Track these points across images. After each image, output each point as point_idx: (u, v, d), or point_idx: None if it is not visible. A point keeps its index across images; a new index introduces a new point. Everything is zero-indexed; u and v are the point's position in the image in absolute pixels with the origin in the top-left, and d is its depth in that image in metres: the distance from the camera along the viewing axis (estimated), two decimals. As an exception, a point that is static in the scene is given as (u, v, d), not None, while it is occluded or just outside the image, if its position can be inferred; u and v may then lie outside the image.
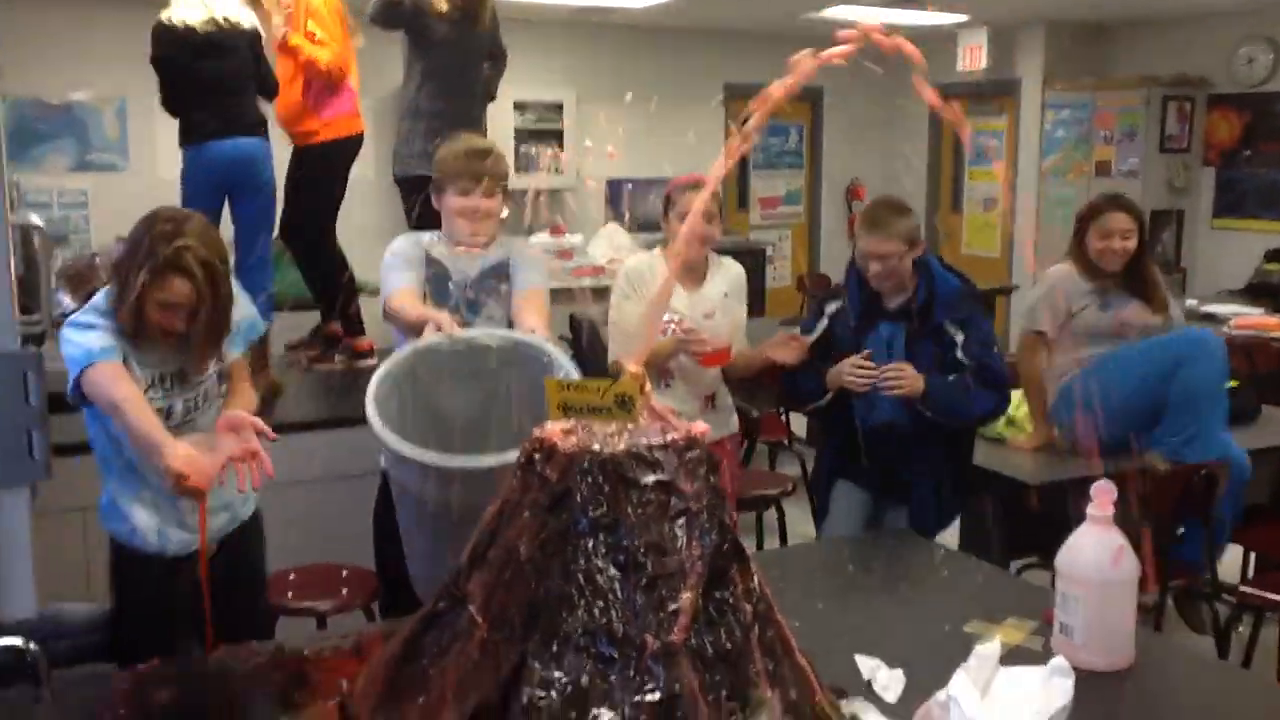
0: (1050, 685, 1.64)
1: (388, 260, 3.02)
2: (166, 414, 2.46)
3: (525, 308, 2.96)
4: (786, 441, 5.75)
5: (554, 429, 1.61)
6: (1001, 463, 3.75)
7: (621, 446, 1.56)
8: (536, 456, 1.60)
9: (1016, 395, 4.02)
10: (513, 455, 1.68)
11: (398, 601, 3.04)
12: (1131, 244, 3.75)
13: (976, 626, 2.13)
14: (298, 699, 1.84)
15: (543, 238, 6.85)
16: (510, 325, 2.95)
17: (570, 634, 1.47)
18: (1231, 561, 4.06)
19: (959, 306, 3.18)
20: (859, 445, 3.25)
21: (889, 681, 1.89)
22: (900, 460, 3.21)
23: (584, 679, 1.45)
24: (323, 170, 4.55)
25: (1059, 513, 3.69)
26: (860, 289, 3.24)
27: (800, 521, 4.98)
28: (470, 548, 1.67)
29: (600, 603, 1.49)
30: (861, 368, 3.11)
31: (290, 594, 3.12)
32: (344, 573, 3.27)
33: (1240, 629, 3.54)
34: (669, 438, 1.60)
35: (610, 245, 6.91)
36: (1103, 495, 1.95)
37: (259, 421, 2.38)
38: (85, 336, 2.37)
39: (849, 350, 3.20)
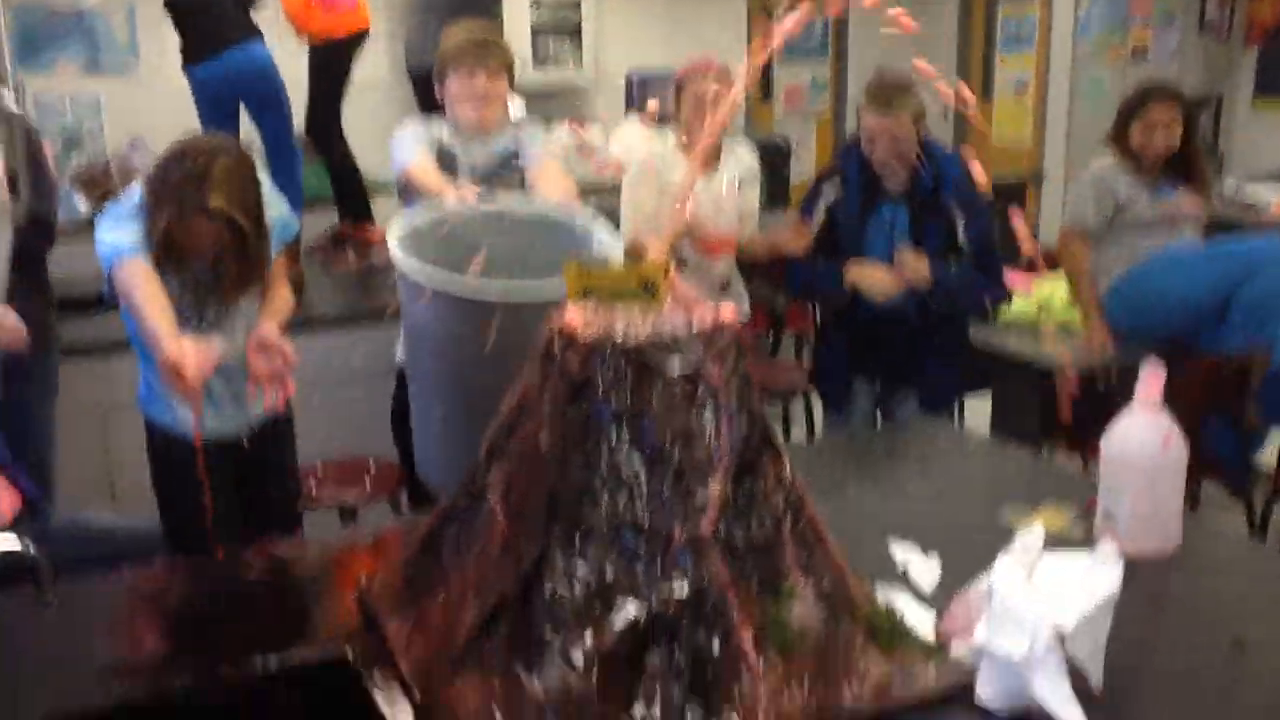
0: (1096, 572, 1.57)
1: (399, 137, 2.92)
2: (199, 317, 2.46)
3: (542, 180, 2.84)
4: (810, 334, 5.68)
5: (573, 315, 1.54)
6: (1031, 348, 3.69)
7: (645, 334, 1.48)
8: (555, 344, 1.53)
9: (1047, 283, 3.93)
10: (549, 288, 1.58)
11: (425, 492, 3.02)
12: (1175, 134, 3.63)
13: (1014, 513, 2.06)
14: (316, 596, 1.80)
15: (562, 133, 6.71)
16: None
17: (594, 527, 1.42)
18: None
19: (964, 187, 3.10)
20: (868, 335, 3.21)
21: (924, 569, 1.84)
22: (907, 346, 3.18)
23: (608, 572, 1.40)
24: (330, 67, 4.45)
25: (1094, 398, 3.63)
26: (860, 171, 3.16)
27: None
28: (488, 441, 1.61)
29: (624, 495, 1.42)
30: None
31: (315, 486, 3.11)
32: (370, 465, 3.25)
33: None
34: (695, 323, 1.52)
35: (631, 140, 6.75)
36: (1151, 379, 1.87)
37: (286, 346, 2.40)
38: (116, 234, 2.36)
39: (853, 235, 3.15)
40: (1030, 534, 1.64)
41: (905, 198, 3.12)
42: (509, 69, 2.95)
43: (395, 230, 2.21)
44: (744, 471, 1.49)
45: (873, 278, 3.11)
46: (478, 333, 1.90)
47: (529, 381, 1.57)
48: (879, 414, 3.43)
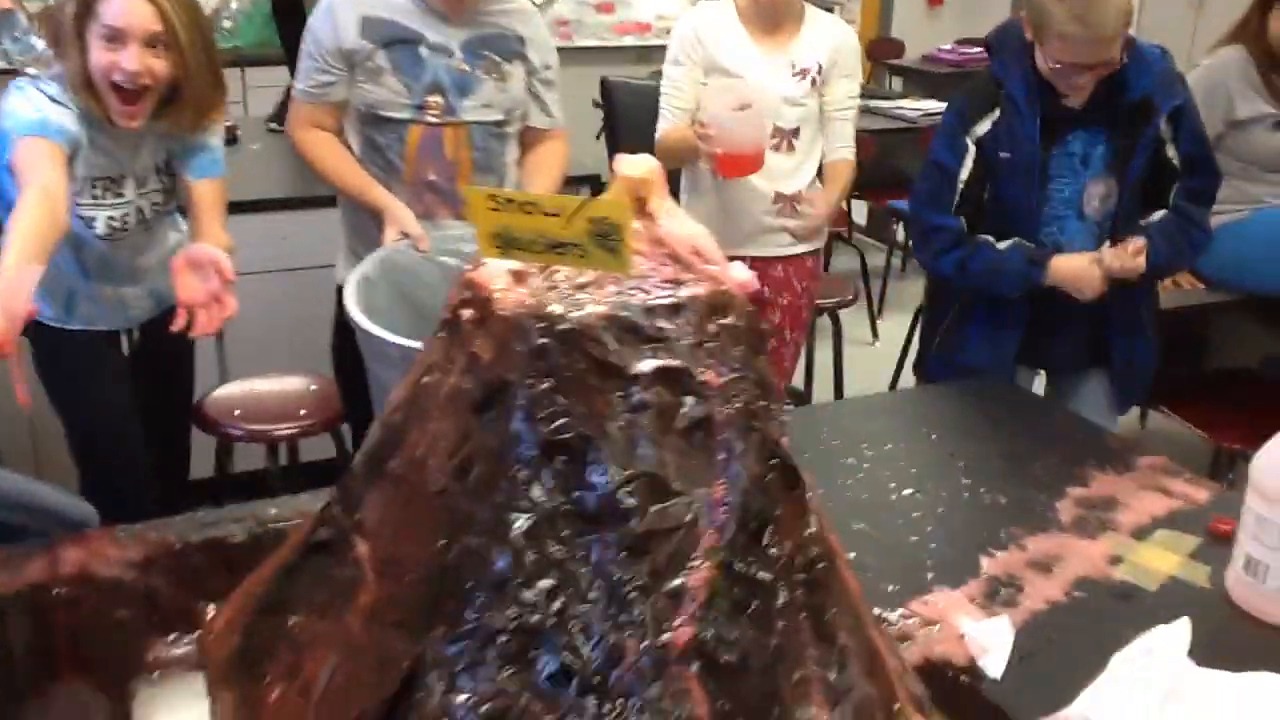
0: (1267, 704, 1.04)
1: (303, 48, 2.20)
2: (88, 223, 2.05)
3: (538, 165, 2.28)
4: (845, 233, 5.07)
5: (495, 271, 0.98)
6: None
7: (603, 306, 0.92)
8: (465, 315, 0.97)
9: None
10: None
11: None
12: None
13: (1114, 545, 1.52)
14: (148, 623, 1.28)
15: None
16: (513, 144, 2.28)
17: (496, 628, 0.88)
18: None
19: (1168, 85, 2.22)
20: (1045, 321, 2.36)
21: (989, 642, 1.29)
22: (1086, 328, 2.37)
23: (512, 708, 0.86)
24: None
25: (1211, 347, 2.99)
26: (1036, 93, 2.19)
27: (857, 327, 4.38)
28: (367, 449, 1.07)
29: (551, 578, 0.88)
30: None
31: (239, 413, 2.56)
32: (311, 385, 2.69)
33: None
34: (684, 290, 0.96)
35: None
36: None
37: (223, 261, 1.92)
38: (34, 107, 1.92)
39: (1028, 180, 2.21)
40: (1161, 635, 1.10)
41: (1102, 119, 2.20)
42: None
43: (349, 285, 1.76)
44: (747, 539, 0.94)
45: (1081, 280, 2.22)
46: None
47: (428, 364, 1.02)
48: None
